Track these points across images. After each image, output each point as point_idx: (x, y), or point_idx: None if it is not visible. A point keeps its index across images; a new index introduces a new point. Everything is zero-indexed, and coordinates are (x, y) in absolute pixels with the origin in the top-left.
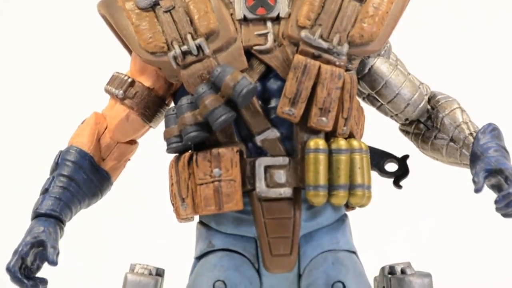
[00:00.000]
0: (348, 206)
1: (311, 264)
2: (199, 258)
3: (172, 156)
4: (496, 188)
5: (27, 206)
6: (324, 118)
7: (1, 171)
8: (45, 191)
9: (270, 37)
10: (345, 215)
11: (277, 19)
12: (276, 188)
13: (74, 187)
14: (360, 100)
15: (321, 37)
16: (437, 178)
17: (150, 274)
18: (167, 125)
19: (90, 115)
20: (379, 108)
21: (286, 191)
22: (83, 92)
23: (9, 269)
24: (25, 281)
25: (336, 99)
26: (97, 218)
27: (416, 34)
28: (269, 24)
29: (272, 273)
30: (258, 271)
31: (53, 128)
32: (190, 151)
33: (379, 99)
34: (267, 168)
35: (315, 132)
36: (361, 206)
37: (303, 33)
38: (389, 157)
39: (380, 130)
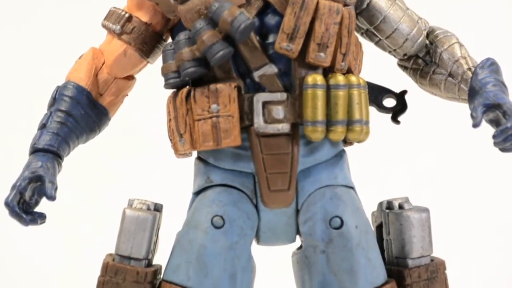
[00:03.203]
0: (346, 142)
1: (309, 199)
2: (197, 193)
3: (170, 91)
4: (494, 123)
5: (25, 141)
6: (322, 54)
7: None
8: (42, 126)
9: None
10: (343, 151)
11: None
12: (274, 124)
13: (71, 122)
14: (358, 35)
15: None
16: (436, 114)
17: (148, 209)
18: (164, 61)
19: (88, 50)
20: (377, 43)
21: (284, 127)
22: (81, 28)
23: (7, 204)
24: (24, 215)
25: (334, 35)
26: (95, 154)
27: None
28: None
29: (270, 208)
30: (256, 206)
31: (47, 61)
32: (188, 86)
33: (377, 34)
34: (265, 103)
35: (313, 67)
36: (359, 141)
37: None
38: (387, 92)
39: (379, 66)
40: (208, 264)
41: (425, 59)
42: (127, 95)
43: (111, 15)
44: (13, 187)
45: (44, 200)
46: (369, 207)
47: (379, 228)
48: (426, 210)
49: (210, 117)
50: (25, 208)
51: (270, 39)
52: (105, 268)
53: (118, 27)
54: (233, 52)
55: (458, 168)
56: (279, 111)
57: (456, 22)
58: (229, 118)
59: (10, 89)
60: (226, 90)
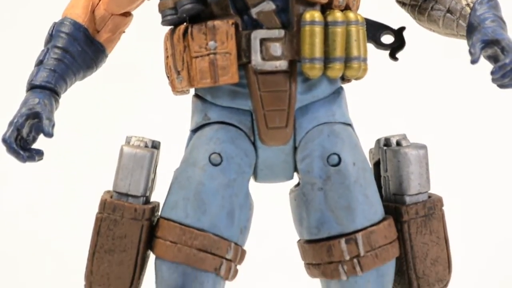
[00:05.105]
0: (344, 79)
1: (307, 136)
2: (194, 130)
3: (167, 28)
4: (493, 59)
5: (22, 77)
6: None
7: None
8: (39, 63)
9: None
10: (341, 88)
11: None
12: (271, 61)
13: (68, 59)
14: None
15: None
16: (433, 50)
17: (146, 146)
18: None
19: None
20: None
21: (282, 64)
22: None
23: (4, 140)
24: (21, 152)
25: None
26: (92, 91)
27: None
28: None
29: (268, 145)
30: (254, 143)
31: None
32: (185, 23)
33: None
34: (262, 40)
35: (311, 4)
36: (357, 78)
37: None
38: (386, 29)
39: (376, 2)
40: (206, 201)
41: None
42: (124, 31)
43: None
44: (10, 123)
45: (41, 137)
46: (367, 144)
47: (376, 165)
48: (423, 147)
49: (208, 54)
50: (22, 144)
51: None
52: (103, 205)
53: None
54: None
55: (456, 104)
56: (276, 48)
57: None
58: (227, 55)
59: (6, 27)
60: (224, 27)
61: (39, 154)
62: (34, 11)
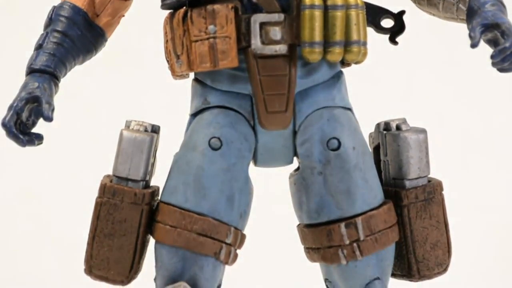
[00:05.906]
0: (344, 63)
1: (307, 121)
2: (194, 115)
3: (166, 12)
4: (493, 43)
5: (22, 62)
6: None
7: None
8: (39, 46)
9: None
10: (341, 72)
11: None
12: (271, 45)
13: (68, 43)
14: None
15: None
16: (433, 34)
17: (146, 130)
18: None
19: None
20: None
21: (282, 48)
22: None
23: (4, 124)
24: (21, 136)
25: None
26: (92, 75)
27: None
28: None
29: (268, 130)
30: (253, 128)
31: None
32: (184, 7)
33: None
34: (262, 24)
35: None
36: (357, 62)
37: None
38: (385, 13)
39: None
40: (205, 185)
41: None
42: (123, 15)
43: None
44: (10, 107)
45: (41, 121)
46: (367, 128)
47: (376, 149)
48: (423, 131)
49: (207, 38)
50: (22, 129)
51: None
52: (103, 189)
53: None
54: None
55: (456, 88)
56: (276, 32)
57: None
58: (226, 39)
59: (5, 11)
60: (223, 11)
61: (38, 138)
62: None
